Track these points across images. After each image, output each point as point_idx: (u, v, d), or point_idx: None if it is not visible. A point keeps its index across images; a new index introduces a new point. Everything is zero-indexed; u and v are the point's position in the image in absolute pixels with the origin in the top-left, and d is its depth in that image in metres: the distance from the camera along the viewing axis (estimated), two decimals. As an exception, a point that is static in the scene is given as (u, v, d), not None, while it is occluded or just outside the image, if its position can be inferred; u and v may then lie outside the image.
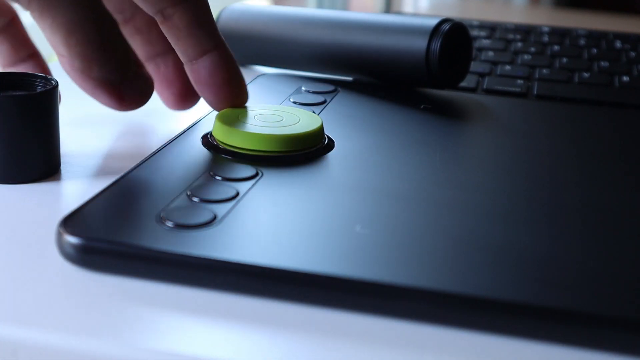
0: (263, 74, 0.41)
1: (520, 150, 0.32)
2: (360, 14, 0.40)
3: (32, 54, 0.34)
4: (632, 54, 0.50)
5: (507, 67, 0.46)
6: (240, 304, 0.22)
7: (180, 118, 0.38)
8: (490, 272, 0.22)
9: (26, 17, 0.33)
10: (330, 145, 0.31)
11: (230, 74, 0.30)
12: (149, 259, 0.22)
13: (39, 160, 0.29)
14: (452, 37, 0.38)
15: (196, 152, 0.29)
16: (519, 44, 0.52)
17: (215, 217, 0.24)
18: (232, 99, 0.31)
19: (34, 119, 0.28)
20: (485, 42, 0.53)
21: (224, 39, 0.30)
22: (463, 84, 0.42)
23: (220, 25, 0.44)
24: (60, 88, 0.37)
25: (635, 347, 0.20)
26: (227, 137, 0.29)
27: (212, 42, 0.29)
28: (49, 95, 0.28)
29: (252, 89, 0.38)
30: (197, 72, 0.30)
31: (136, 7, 0.31)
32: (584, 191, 0.28)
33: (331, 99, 0.37)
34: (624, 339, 0.20)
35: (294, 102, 0.36)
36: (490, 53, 0.49)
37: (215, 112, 0.31)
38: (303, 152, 0.29)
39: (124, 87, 0.29)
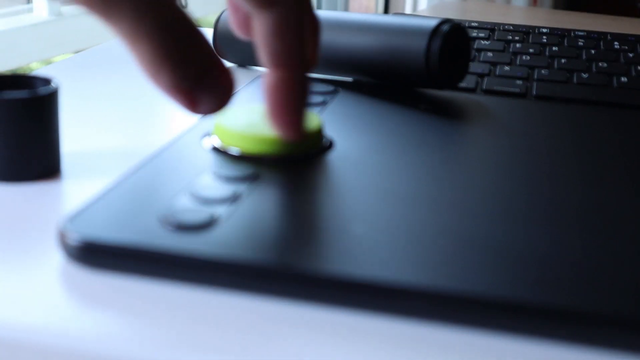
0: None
1: (520, 151, 0.32)
2: (360, 14, 0.40)
3: None
4: (630, 55, 0.50)
5: (506, 68, 0.46)
6: (240, 303, 0.22)
7: (180, 119, 0.38)
8: (489, 271, 0.22)
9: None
10: (331, 145, 0.31)
11: (290, 98, 0.28)
12: (150, 259, 0.22)
13: (40, 160, 0.29)
14: (452, 37, 0.38)
15: (197, 152, 0.29)
16: (518, 45, 0.52)
17: (215, 217, 0.24)
18: (290, 123, 0.29)
19: (36, 120, 0.28)
20: (485, 43, 0.53)
21: (300, 59, 0.29)
22: (462, 84, 0.42)
23: (220, 26, 0.44)
24: (61, 88, 0.37)
25: (634, 346, 0.20)
26: (227, 138, 0.29)
27: (283, 58, 0.28)
28: (51, 97, 0.29)
29: (252, 90, 0.38)
30: (264, 83, 0.29)
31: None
32: (583, 191, 0.28)
33: (331, 100, 0.37)
34: (623, 337, 0.20)
35: (294, 103, 0.36)
36: (490, 54, 0.50)
37: (216, 114, 0.31)
38: (303, 152, 0.29)
39: (197, 92, 0.27)
